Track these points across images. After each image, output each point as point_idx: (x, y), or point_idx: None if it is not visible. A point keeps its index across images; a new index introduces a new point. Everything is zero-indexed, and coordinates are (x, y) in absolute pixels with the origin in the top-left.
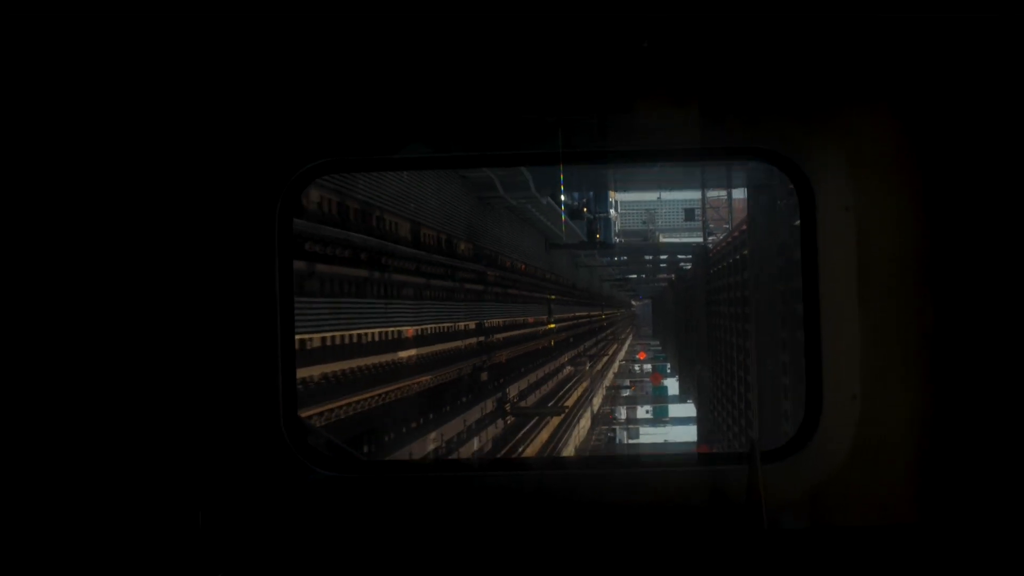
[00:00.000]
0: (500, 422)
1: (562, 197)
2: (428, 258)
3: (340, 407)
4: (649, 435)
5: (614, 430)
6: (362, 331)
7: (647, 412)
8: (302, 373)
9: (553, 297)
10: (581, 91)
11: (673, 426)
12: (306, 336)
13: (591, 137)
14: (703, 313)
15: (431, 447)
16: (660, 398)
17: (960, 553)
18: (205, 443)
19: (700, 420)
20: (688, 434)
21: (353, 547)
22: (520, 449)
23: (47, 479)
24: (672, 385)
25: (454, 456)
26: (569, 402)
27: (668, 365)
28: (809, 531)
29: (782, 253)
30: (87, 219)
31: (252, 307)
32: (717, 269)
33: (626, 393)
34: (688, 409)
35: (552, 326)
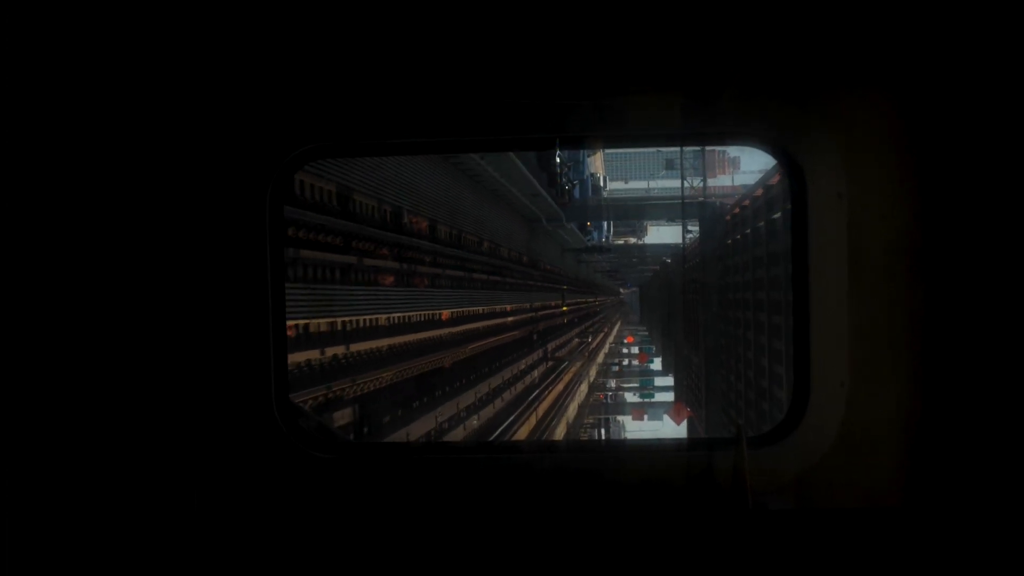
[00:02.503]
0: (546, 363)
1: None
2: (513, 268)
3: (487, 343)
4: (634, 398)
5: (607, 396)
6: (491, 307)
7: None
8: (478, 325)
9: (566, 288)
10: (575, 76)
11: (655, 391)
12: (480, 308)
13: (585, 122)
14: (680, 302)
15: (524, 366)
16: (646, 373)
17: (942, 536)
18: (199, 426)
19: (676, 386)
20: (665, 396)
21: (346, 528)
22: (556, 379)
23: (42, 463)
24: (656, 363)
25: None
26: (594, 345)
27: (653, 348)
28: (794, 512)
29: (721, 259)
30: (77, 207)
31: (244, 292)
32: (688, 266)
33: (615, 369)
34: (668, 380)
35: (565, 308)
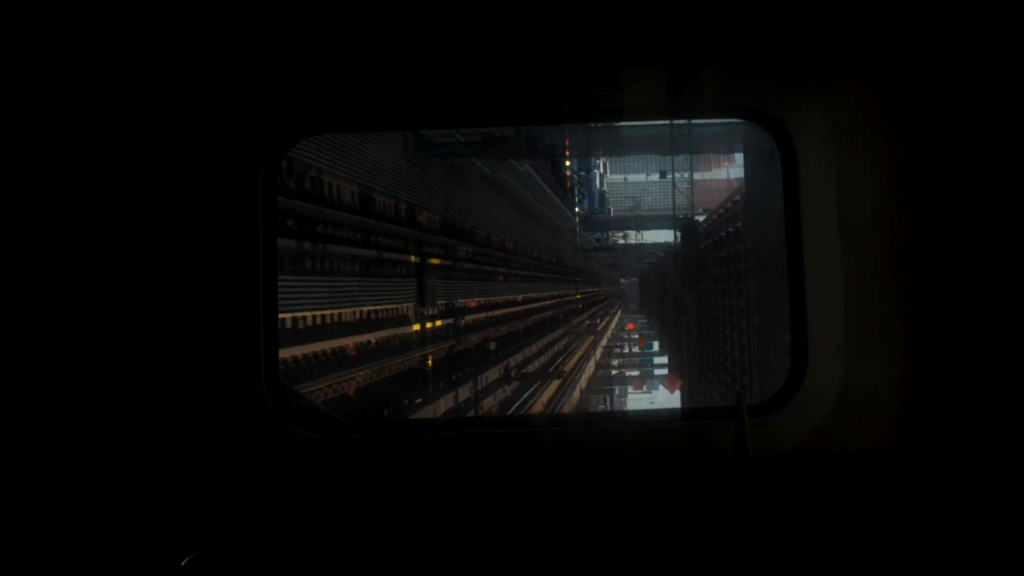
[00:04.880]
0: (571, 335)
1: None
2: (550, 267)
3: (538, 317)
4: (634, 373)
5: (610, 375)
6: (536, 294)
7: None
8: (532, 306)
9: (579, 280)
10: (570, 53)
11: (653, 368)
12: (533, 294)
13: (577, 98)
14: (672, 293)
15: (559, 333)
16: (645, 353)
17: (938, 488)
18: (187, 409)
19: (669, 363)
20: (661, 372)
21: (340, 508)
22: (576, 347)
23: (30, 449)
24: (655, 345)
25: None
26: (601, 327)
27: (652, 333)
28: (793, 459)
29: (697, 258)
30: (66, 194)
31: (235, 273)
32: (676, 261)
33: (617, 351)
34: (663, 359)
35: (579, 296)
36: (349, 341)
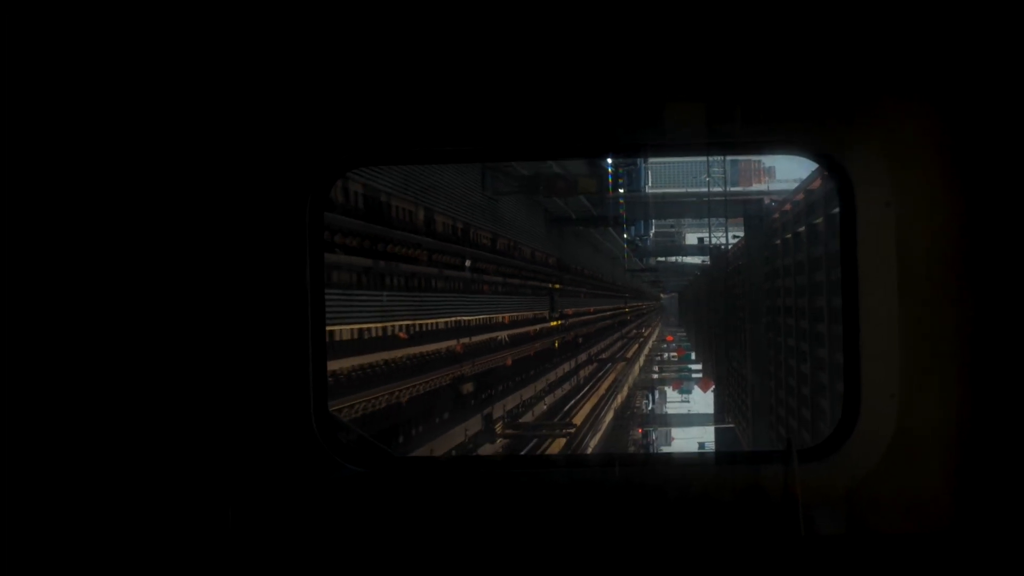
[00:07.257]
0: (621, 341)
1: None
2: (607, 286)
3: (602, 324)
4: (671, 376)
5: (652, 378)
6: (599, 307)
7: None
8: (598, 315)
9: (627, 295)
10: (623, 84)
11: (691, 373)
12: (599, 307)
13: (631, 130)
14: (705, 309)
15: (615, 337)
16: (683, 362)
17: (996, 561)
18: (235, 438)
19: (704, 368)
20: (696, 374)
21: (383, 543)
22: (626, 350)
23: (78, 474)
24: (691, 355)
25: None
26: (644, 335)
27: (689, 344)
28: (844, 537)
29: (726, 282)
30: (116, 216)
31: (283, 301)
32: (710, 282)
33: (657, 359)
34: (697, 365)
35: (627, 309)
36: (530, 328)
